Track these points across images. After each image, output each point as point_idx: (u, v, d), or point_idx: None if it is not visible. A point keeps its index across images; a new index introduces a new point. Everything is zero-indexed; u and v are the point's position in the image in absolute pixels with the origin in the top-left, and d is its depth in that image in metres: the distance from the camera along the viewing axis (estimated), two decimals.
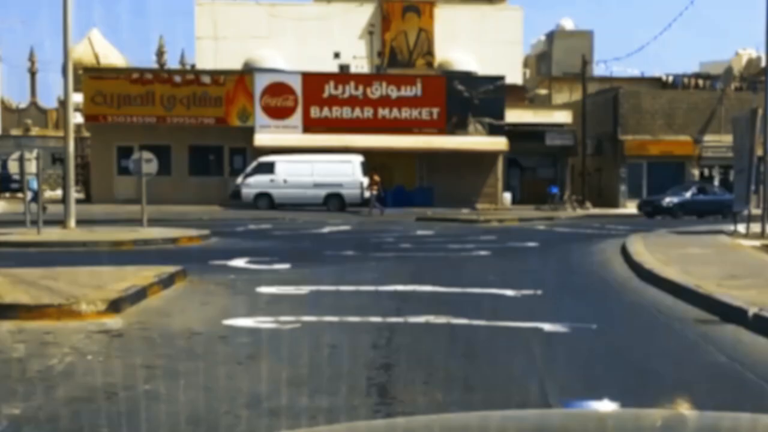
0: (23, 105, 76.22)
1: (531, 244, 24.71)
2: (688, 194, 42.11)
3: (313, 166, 41.60)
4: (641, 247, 19.89)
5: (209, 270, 16.34)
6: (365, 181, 41.87)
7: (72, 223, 24.20)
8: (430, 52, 54.33)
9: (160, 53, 75.30)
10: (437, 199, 45.36)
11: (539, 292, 13.17)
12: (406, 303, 11.85)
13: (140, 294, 11.31)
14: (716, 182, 49.60)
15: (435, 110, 45.49)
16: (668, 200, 41.83)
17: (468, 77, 46.62)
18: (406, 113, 45.39)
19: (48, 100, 74.08)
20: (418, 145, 45.06)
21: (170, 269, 13.49)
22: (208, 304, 11.79)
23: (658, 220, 39.71)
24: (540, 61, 72.15)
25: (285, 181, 41.41)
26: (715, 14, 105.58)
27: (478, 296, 12.87)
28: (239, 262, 17.87)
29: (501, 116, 45.89)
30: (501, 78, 46.15)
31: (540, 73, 69.59)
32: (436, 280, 14.41)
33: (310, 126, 44.76)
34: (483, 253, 21.28)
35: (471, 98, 45.64)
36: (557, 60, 68.52)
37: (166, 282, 12.69)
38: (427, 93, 45.48)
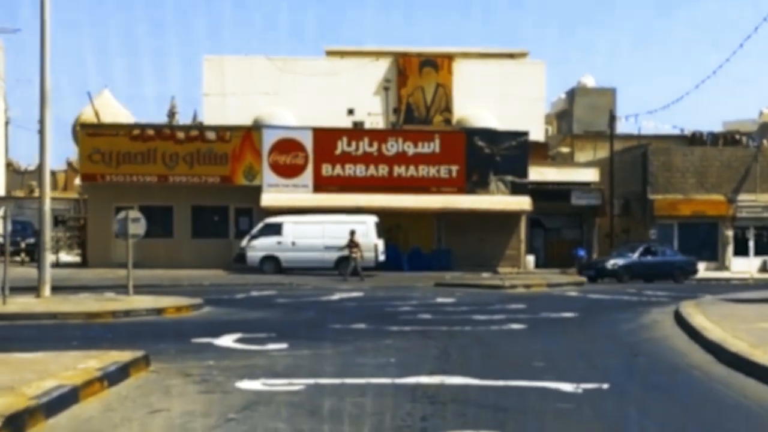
0: (31, 167, 74.01)
1: (568, 314, 21.74)
2: (634, 255, 39.05)
3: (324, 227, 38.84)
4: (704, 320, 16.94)
5: (187, 351, 13.46)
6: (380, 243, 39.05)
7: (46, 290, 21.43)
8: (448, 109, 51.77)
9: (171, 114, 73.10)
10: (456, 262, 42.49)
11: (605, 386, 10.24)
12: (434, 407, 8.91)
13: (66, 398, 8.34)
14: (751, 244, 46.66)
15: (454, 168, 42.78)
16: (613, 262, 38.76)
17: (489, 133, 43.99)
18: (423, 171, 42.70)
19: (57, 161, 71.98)
20: (436, 205, 42.30)
21: (125, 357, 10.55)
22: (159, 414, 8.70)
23: (669, 285, 36.53)
24: (560, 120, 69.66)
25: (293, 244, 38.64)
26: (738, 72, 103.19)
27: (525, 393, 9.94)
28: (227, 340, 15.00)
29: (524, 174, 43.13)
30: (524, 134, 43.47)
31: (561, 132, 67.05)
32: (467, 366, 11.54)
33: (321, 185, 42.09)
34: (516, 326, 18.33)
35: (492, 155, 42.94)
36: (578, 118, 66.09)
37: (115, 375, 9.74)
38: (445, 149, 42.81)
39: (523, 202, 42.54)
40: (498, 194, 42.92)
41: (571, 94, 67.69)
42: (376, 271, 39.54)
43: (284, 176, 41.80)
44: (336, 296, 28.27)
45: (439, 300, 26.81)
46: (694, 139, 52.07)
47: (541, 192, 43.49)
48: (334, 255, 38.65)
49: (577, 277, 39.55)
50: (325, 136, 42.34)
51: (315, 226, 38.80)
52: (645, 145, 47.76)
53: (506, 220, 43.25)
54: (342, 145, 42.36)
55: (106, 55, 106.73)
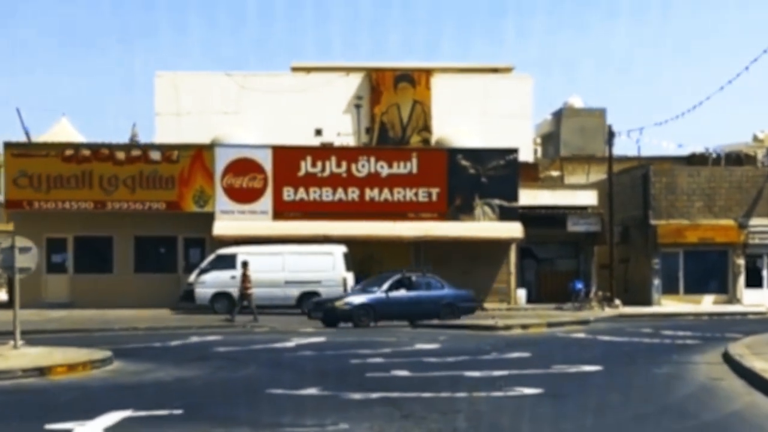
0: None
1: (590, 367, 16.57)
2: (380, 291, 29.52)
3: (284, 259, 33.70)
4: None
5: None
6: (350, 277, 33.92)
7: None
8: (426, 128, 46.73)
9: (133, 141, 67.82)
10: None
11: None
12: None
13: None
14: (765, 274, 41.78)
15: (434, 191, 37.76)
16: (347, 301, 29.33)
17: (473, 151, 38.98)
18: (399, 194, 37.66)
19: None
20: (414, 233, 37.21)
21: None
22: None
23: (676, 324, 31.54)
24: (547, 143, 64.78)
25: None
26: (730, 94, 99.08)
27: None
28: (105, 422, 9.82)
29: (514, 197, 38.15)
30: (513, 151, 38.57)
31: (547, 157, 62.11)
32: None
33: (282, 211, 36.97)
34: (529, 391, 13.15)
35: (478, 176, 37.97)
36: (566, 141, 61.27)
37: None
38: (424, 170, 37.81)
39: (512, 229, 37.53)
40: (484, 220, 37.90)
41: (558, 116, 62.89)
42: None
43: (240, 201, 36.65)
44: (292, 342, 23.07)
45: (419, 347, 21.66)
46: (694, 160, 47.12)
47: (532, 217, 38.51)
48: (296, 291, 33.50)
49: (579, 314, 34.51)
50: (286, 156, 37.26)
51: (274, 258, 33.63)
52: (646, 166, 42.90)
53: (494, 249, 38.21)
54: (306, 166, 37.27)
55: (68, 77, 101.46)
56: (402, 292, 29.79)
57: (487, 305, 37.51)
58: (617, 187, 41.07)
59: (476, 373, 15.54)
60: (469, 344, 22.40)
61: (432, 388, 13.65)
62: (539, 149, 54.16)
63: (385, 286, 29.69)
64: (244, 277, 30.72)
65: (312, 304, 30.26)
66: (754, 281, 41.83)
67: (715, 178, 42.01)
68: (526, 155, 43.95)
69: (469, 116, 45.50)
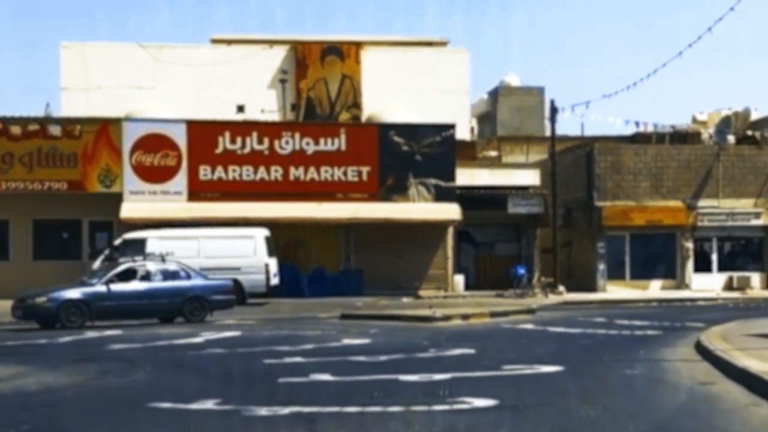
0: None
1: (549, 368, 13.77)
2: (99, 283, 24.11)
3: (199, 243, 30.49)
4: None
5: None
6: (273, 263, 30.91)
7: None
8: (356, 104, 43.62)
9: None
10: (369, 285, 34.60)
11: None
12: None
13: None
14: (714, 258, 39.64)
15: (365, 169, 34.84)
16: (51, 296, 23.53)
17: (407, 127, 36.07)
18: (326, 173, 34.68)
19: None
20: (343, 215, 34.28)
21: None
22: None
23: (610, 312, 29.20)
24: (483, 123, 62.13)
25: None
26: (667, 75, 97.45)
27: None
28: None
29: (451, 177, 35.41)
30: (450, 126, 35.82)
31: (483, 137, 59.48)
32: None
33: (198, 191, 33.75)
34: (480, 402, 10.29)
35: (412, 153, 35.14)
36: (503, 121, 58.74)
37: None
38: (354, 147, 34.87)
39: (449, 211, 34.78)
40: (419, 201, 35.09)
41: (494, 95, 60.32)
42: (267, 298, 31.41)
43: (151, 181, 33.35)
44: (201, 337, 20.02)
45: (347, 342, 18.77)
46: (638, 139, 44.73)
47: (471, 198, 35.82)
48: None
49: (521, 301, 31.91)
50: (202, 131, 34.05)
51: (189, 243, 30.37)
52: (590, 144, 40.42)
53: (429, 232, 35.45)
54: (224, 142, 34.09)
55: None
56: (132, 285, 24.27)
57: (422, 293, 34.81)
58: (559, 167, 38.54)
59: (413, 377, 12.67)
60: (404, 338, 19.56)
61: (358, 399, 10.74)
62: (476, 128, 51.45)
63: (108, 277, 24.24)
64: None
65: (16, 303, 23.80)
66: (702, 265, 39.66)
67: (662, 157, 39.69)
68: (463, 133, 41.20)
69: (402, 92, 42.49)
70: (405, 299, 33.44)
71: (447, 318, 23.55)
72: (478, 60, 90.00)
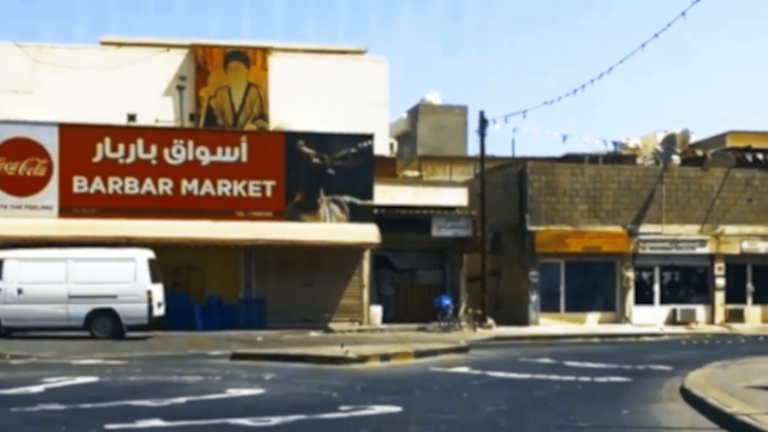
0: None
1: None
2: None
3: (68, 266, 25.60)
4: None
5: None
6: (157, 290, 26.15)
7: None
8: (263, 115, 38.86)
9: None
10: (272, 316, 30.22)
11: None
12: None
13: None
14: (656, 289, 35.96)
15: (269, 184, 30.35)
16: None
17: (319, 136, 31.63)
18: (224, 188, 30.10)
19: None
20: (243, 236, 29.68)
21: None
22: None
23: (585, 351, 25.39)
24: (402, 143, 57.99)
25: (20, 292, 25.26)
26: (596, 94, 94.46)
27: None
28: None
29: (368, 194, 31.13)
30: (368, 137, 31.61)
31: (402, 158, 55.31)
32: None
33: (71, 206, 28.89)
34: None
35: (324, 166, 30.78)
36: (423, 141, 54.86)
37: None
38: (257, 158, 30.36)
39: (366, 233, 30.42)
40: (331, 221, 30.69)
41: (414, 113, 56.40)
42: (152, 331, 26.64)
43: (15, 193, 28.38)
44: (41, 386, 15.24)
45: (232, 393, 14.23)
46: (569, 160, 40.93)
47: (390, 219, 31.56)
48: (84, 308, 25.45)
49: (447, 336, 27.64)
50: (78, 136, 29.20)
51: (55, 266, 25.49)
52: (522, 162, 36.46)
53: (343, 257, 31.04)
54: (104, 150, 29.29)
55: None
56: None
57: (334, 326, 30.35)
58: (488, 188, 34.46)
59: None
60: (307, 388, 15.06)
61: None
62: (395, 146, 47.25)
63: None
64: None
65: None
66: (643, 297, 35.95)
67: (601, 178, 35.93)
68: (382, 147, 36.89)
69: (314, 103, 37.93)
70: (314, 333, 29.04)
71: (363, 359, 19.05)
72: (397, 78, 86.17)
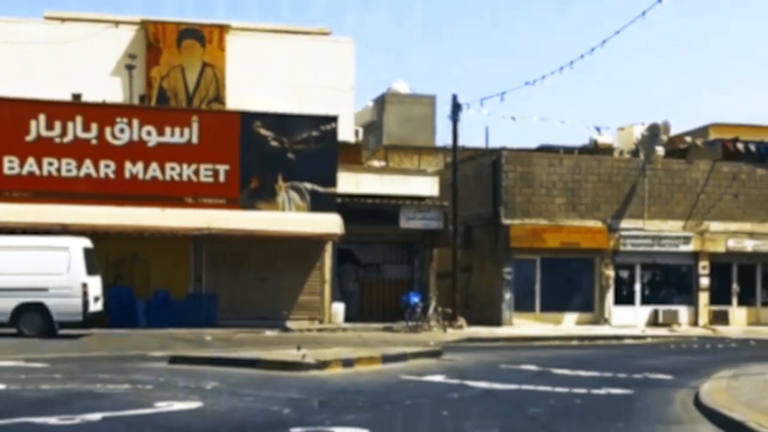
0: None
1: None
2: None
3: None
4: None
5: None
6: (94, 282, 23.46)
7: None
8: (219, 98, 36.13)
9: None
10: (225, 313, 27.67)
11: None
12: None
13: None
14: (637, 288, 33.73)
15: (222, 168, 27.72)
16: None
17: (278, 118, 28.97)
18: (173, 172, 27.43)
19: None
20: (193, 224, 27.03)
21: None
22: None
23: (572, 356, 23.12)
24: (368, 133, 55.46)
25: None
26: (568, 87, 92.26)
27: None
28: None
29: (331, 182, 28.57)
30: (332, 119, 29.06)
31: (368, 148, 52.79)
32: None
33: (1, 189, 25.99)
34: None
35: (283, 150, 28.20)
36: (390, 131, 52.32)
37: None
38: (209, 140, 27.71)
39: (328, 223, 27.87)
40: (291, 210, 28.11)
41: (381, 103, 53.83)
42: (88, 329, 23.97)
43: None
44: None
45: (161, 407, 11.70)
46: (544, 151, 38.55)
47: (355, 209, 29.05)
48: (10, 302, 22.70)
49: (415, 336, 25.16)
50: (8, 112, 26.39)
51: None
52: (497, 151, 34.03)
53: (303, 249, 28.48)
54: (39, 127, 26.50)
55: None
56: None
57: (292, 324, 27.79)
58: (460, 180, 31.95)
59: None
60: (254, 401, 12.50)
61: None
62: (361, 131, 44.66)
63: None
64: None
65: None
66: (624, 297, 33.70)
67: (580, 170, 33.63)
68: (347, 133, 34.35)
69: (274, 86, 35.25)
70: (269, 332, 26.52)
71: (323, 364, 16.46)
72: (363, 66, 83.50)
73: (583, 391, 14.69)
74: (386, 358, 17.93)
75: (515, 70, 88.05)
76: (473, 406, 12.58)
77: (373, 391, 13.89)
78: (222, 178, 27.64)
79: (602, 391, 14.76)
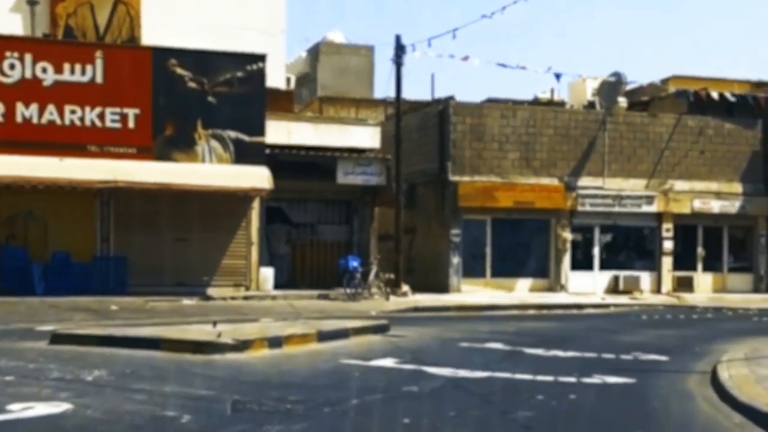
0: None
1: None
2: None
3: None
4: None
5: None
6: None
7: None
8: (133, 39, 32.16)
9: None
10: (137, 278, 24.11)
11: None
12: None
13: None
14: (596, 252, 30.86)
15: (131, 112, 24.09)
16: None
17: (196, 55, 25.30)
18: (73, 115, 23.73)
19: None
20: (98, 177, 23.35)
21: None
22: None
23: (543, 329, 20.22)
24: (301, 86, 51.80)
25: None
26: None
27: None
28: None
29: (259, 130, 25.14)
30: (259, 58, 25.55)
31: (301, 101, 49.17)
32: None
33: None
34: None
35: (203, 93, 24.63)
36: (324, 83, 48.85)
37: None
38: (116, 79, 24.04)
39: (256, 176, 24.40)
40: (212, 161, 24.61)
41: (315, 53, 50.26)
42: None
43: None
44: None
45: (12, 413, 8.34)
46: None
47: (286, 163, 25.69)
48: None
49: (358, 306, 21.92)
50: None
51: None
52: (444, 101, 30.75)
53: (226, 206, 25.03)
54: None
55: None
56: None
57: (214, 291, 24.40)
58: (402, 133, 28.62)
59: None
60: (144, 400, 9.11)
61: None
62: (293, 79, 41.00)
63: None
64: None
65: None
66: (581, 261, 30.84)
67: (535, 122, 30.57)
68: (277, 80, 30.80)
69: (195, 28, 31.49)
70: (187, 301, 23.19)
71: (244, 345, 13.05)
72: (295, 15, 79.46)
73: (572, 380, 11.60)
74: (323, 336, 14.60)
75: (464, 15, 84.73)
76: (440, 407, 9.35)
77: (307, 383, 10.57)
78: (131, 123, 23.95)
79: (596, 380, 11.68)
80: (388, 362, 12.62)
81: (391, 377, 11.33)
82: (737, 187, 31.69)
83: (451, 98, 30.82)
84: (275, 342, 13.64)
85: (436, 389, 10.54)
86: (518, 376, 11.80)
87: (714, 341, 17.32)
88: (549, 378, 11.65)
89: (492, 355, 14.08)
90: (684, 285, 30.96)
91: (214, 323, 14.75)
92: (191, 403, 9.02)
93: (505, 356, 13.99)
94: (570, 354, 14.48)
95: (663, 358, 14.54)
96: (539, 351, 14.64)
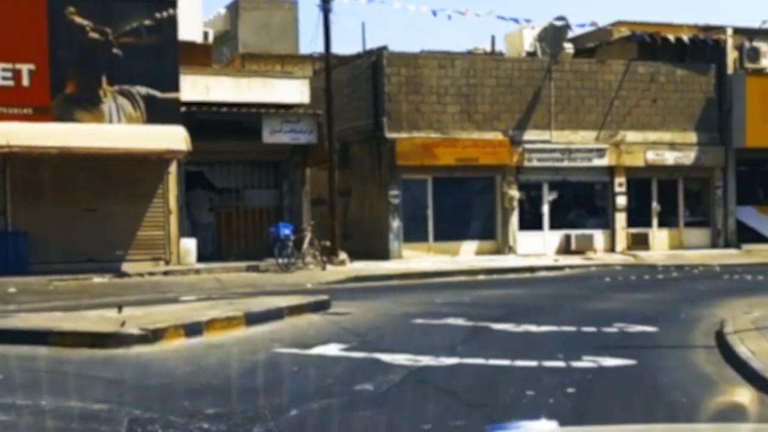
0: None
1: None
2: None
3: None
4: None
5: None
6: None
7: None
8: None
9: None
10: (40, 255, 21.31)
11: None
12: None
13: None
14: (545, 210, 28.74)
15: (25, 68, 21.17)
16: None
17: (97, 1, 22.27)
18: None
19: None
20: None
21: None
22: None
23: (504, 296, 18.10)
24: (220, 45, 48.87)
25: None
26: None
27: None
28: None
29: (173, 85, 22.41)
30: (169, 4, 22.68)
31: (221, 60, 46.27)
32: None
33: None
34: None
35: (107, 44, 21.74)
36: (246, 41, 46.04)
37: None
38: (5, 30, 21.09)
39: (171, 137, 21.67)
40: (121, 121, 21.83)
41: (234, 9, 47.37)
42: None
43: None
44: None
45: None
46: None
47: (206, 122, 23.00)
48: None
49: (291, 278, 19.50)
50: None
51: None
52: (377, 52, 28.24)
53: (139, 171, 22.26)
54: None
55: None
56: None
57: (129, 267, 21.75)
58: (333, 88, 26.04)
59: None
60: (16, 419, 6.62)
61: None
62: (211, 34, 38.10)
63: None
64: None
65: None
66: (530, 221, 28.70)
67: (476, 72, 28.17)
68: (193, 33, 28.04)
69: None
70: (98, 279, 20.60)
71: (154, 335, 10.56)
72: None
73: (560, 365, 9.45)
74: (252, 318, 12.16)
75: None
76: (409, 417, 7.03)
77: (231, 386, 8.16)
78: (26, 81, 21.01)
79: (589, 364, 9.54)
80: (332, 349, 10.26)
81: (337, 371, 8.98)
82: (692, 137, 29.78)
83: (384, 48, 28.33)
84: (194, 329, 11.18)
85: (397, 386, 8.23)
86: (493, 362, 9.58)
87: (696, 305, 15.42)
88: (532, 363, 9.48)
89: (454, 333, 11.82)
90: (639, 242, 29.04)
91: (120, 308, 12.20)
92: (73, 426, 6.59)
93: (470, 335, 11.75)
94: (544, 329, 12.33)
95: (651, 329, 12.47)
96: (508, 326, 12.45)
